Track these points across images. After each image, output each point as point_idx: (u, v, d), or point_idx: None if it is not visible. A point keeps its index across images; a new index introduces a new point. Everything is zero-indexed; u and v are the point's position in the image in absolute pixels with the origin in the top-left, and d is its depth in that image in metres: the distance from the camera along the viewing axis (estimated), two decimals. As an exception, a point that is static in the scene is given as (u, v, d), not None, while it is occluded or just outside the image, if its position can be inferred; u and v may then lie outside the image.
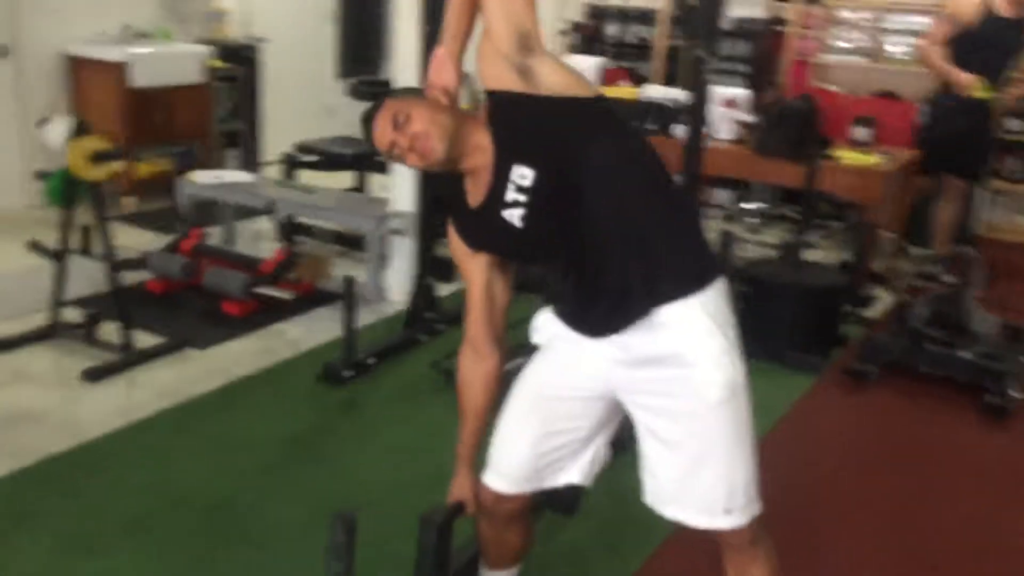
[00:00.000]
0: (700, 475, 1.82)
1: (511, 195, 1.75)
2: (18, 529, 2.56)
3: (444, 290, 4.37)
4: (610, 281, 1.77)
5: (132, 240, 4.72)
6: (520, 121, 1.74)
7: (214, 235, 4.94)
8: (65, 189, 3.52)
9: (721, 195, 6.43)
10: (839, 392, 3.77)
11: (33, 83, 5.49)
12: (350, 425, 3.30)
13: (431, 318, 4.10)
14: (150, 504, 2.70)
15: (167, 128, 5.78)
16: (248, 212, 5.04)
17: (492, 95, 1.77)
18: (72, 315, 3.79)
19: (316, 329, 4.07)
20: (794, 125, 4.69)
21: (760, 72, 6.48)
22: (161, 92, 5.68)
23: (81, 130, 3.46)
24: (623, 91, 5.54)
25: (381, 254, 4.39)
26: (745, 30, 6.60)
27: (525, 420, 1.95)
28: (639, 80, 6.41)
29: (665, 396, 1.81)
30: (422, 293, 4.17)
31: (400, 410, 3.41)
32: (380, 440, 3.18)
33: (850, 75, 6.32)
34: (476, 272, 1.90)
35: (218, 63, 6.14)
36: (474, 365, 1.95)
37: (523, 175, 1.72)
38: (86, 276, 3.88)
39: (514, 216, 1.75)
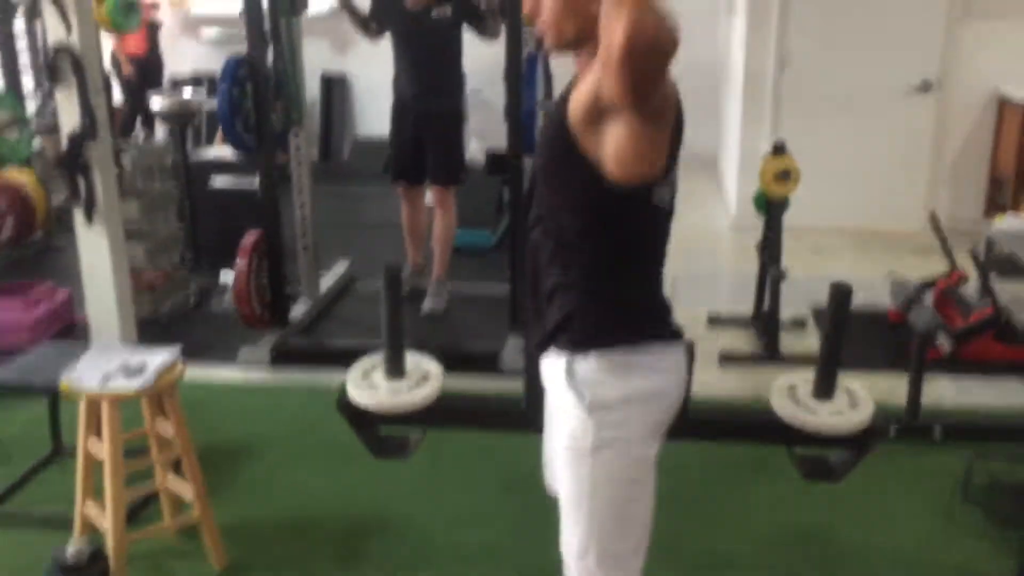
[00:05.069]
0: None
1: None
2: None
3: None
4: (542, 279, 1.66)
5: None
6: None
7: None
8: (760, 201, 4.03)
9: None
10: None
11: (956, 120, 5.72)
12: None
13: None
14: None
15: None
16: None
17: None
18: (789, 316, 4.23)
19: (982, 390, 3.68)
20: None
21: None
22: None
23: (778, 150, 3.91)
24: None
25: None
26: None
27: None
28: None
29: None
30: None
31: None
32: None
33: None
34: None
35: None
36: None
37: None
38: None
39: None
